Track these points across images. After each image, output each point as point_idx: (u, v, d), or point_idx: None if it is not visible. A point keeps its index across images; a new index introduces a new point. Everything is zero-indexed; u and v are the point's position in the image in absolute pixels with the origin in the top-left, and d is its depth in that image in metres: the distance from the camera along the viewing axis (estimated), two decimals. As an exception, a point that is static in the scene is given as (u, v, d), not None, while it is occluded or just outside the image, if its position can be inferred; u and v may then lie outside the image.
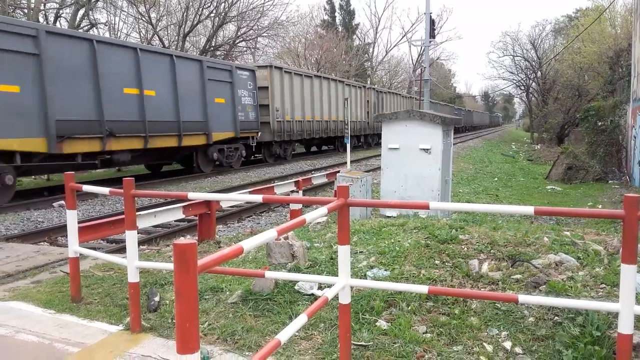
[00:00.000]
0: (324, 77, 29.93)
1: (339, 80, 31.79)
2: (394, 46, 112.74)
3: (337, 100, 30.50)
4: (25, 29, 12.66)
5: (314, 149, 34.34)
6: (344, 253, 3.18)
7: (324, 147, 34.52)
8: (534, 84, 52.40)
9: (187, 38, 33.34)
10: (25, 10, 25.88)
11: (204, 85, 18.73)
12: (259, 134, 22.73)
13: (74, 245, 4.67)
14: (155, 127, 16.45)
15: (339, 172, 10.39)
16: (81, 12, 28.41)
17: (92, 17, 29.98)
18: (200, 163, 19.72)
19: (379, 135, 30.09)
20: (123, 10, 33.89)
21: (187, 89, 17.88)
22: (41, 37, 12.78)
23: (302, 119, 26.41)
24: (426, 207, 3.08)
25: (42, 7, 26.67)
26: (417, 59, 62.14)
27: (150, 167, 20.79)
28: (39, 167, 14.11)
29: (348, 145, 16.19)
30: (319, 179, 12.73)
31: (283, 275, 4.33)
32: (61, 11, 28.47)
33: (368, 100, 35.31)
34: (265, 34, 39.57)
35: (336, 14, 64.47)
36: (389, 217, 7.75)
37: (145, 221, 6.84)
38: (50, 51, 13.03)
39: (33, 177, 15.28)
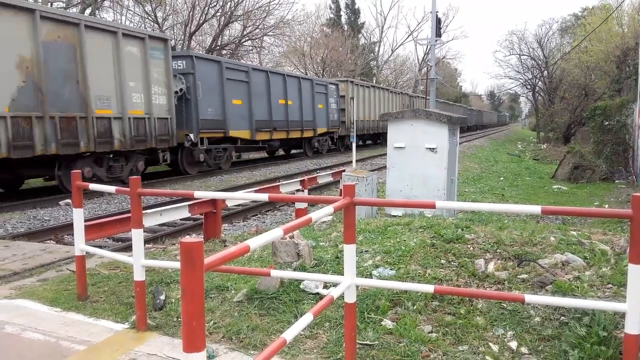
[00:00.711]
0: (379, 87, 38.68)
1: (385, 89, 39.74)
2: (400, 45, 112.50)
3: (387, 104, 38.39)
4: (243, 67, 22.40)
5: (368, 142, 40.33)
6: (349, 252, 3.17)
7: (368, 142, 40.18)
8: (540, 83, 52.21)
9: (193, 37, 33.38)
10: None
11: (313, 96, 27.60)
12: (339, 129, 31.21)
13: (80, 244, 4.69)
14: (291, 125, 25.33)
15: (344, 171, 10.38)
16: (88, 11, 28.50)
17: (98, 16, 30.06)
18: (306, 150, 28.73)
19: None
20: (129, 10, 33.99)
21: (305, 99, 26.67)
22: (250, 72, 21.86)
23: (363, 119, 34.03)
24: (432, 206, 3.08)
25: (48, 6, 26.73)
26: (423, 57, 62.04)
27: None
28: (244, 147, 22.98)
29: (354, 144, 16.17)
30: (324, 178, 12.74)
31: (288, 274, 4.33)
32: (68, 10, 28.55)
33: (404, 104, 40.75)
34: (271, 33, 39.62)
35: (342, 12, 64.47)
36: (394, 216, 7.74)
37: (151, 220, 6.86)
38: (252, 80, 21.82)
39: (42, 177, 15.41)
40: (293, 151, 30.64)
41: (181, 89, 17.93)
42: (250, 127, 21.63)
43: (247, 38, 38.32)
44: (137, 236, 4.07)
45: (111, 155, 15.02)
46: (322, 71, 47.02)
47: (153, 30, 30.69)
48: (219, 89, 19.61)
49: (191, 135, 18.12)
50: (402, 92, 44.97)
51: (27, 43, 12.27)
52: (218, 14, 34.97)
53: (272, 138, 23.83)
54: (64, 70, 13.24)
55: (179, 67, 18.10)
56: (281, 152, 30.32)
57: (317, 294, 4.38)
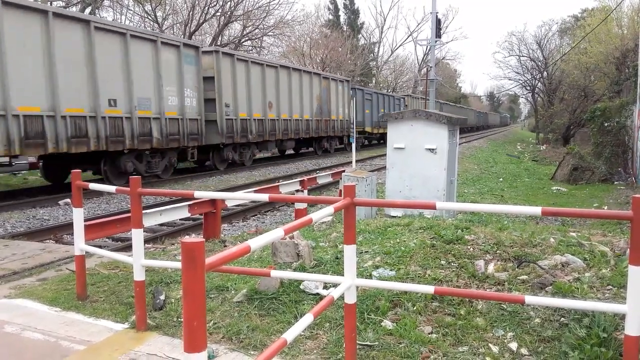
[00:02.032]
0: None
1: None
2: (400, 46, 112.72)
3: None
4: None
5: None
6: (349, 253, 3.17)
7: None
8: (539, 84, 52.27)
9: (193, 37, 33.36)
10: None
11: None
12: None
13: (79, 243, 4.68)
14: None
15: (344, 171, 10.39)
16: (87, 10, 28.49)
17: (98, 15, 30.05)
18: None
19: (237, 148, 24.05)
20: (129, 9, 34.00)
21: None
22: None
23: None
24: (433, 207, 3.08)
25: (48, 4, 26.71)
26: (423, 58, 62.04)
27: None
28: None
29: (354, 145, 16.17)
30: (324, 178, 12.75)
31: (288, 274, 4.33)
32: (68, 9, 28.54)
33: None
34: (270, 33, 39.65)
35: (340, 13, 64.42)
36: (394, 217, 7.74)
37: (151, 219, 6.86)
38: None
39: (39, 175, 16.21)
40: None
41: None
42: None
43: (246, 38, 38.34)
44: (137, 236, 4.07)
45: (149, 152, 16.57)
46: (322, 71, 47.01)
47: (153, 30, 30.68)
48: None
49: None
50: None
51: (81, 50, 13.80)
52: (218, 13, 34.99)
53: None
54: (114, 76, 14.74)
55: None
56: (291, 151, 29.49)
57: (317, 294, 4.38)
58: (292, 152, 29.98)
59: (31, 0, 13.13)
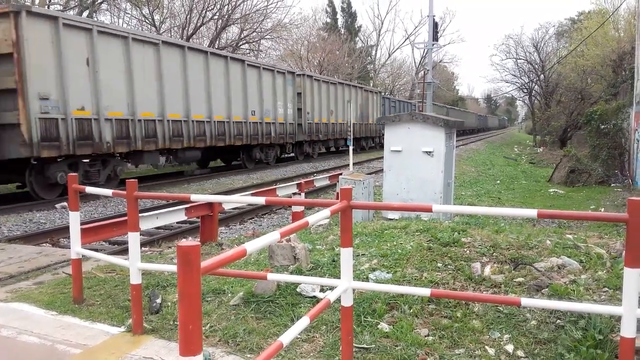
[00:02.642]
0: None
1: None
2: (397, 49, 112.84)
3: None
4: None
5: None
6: (346, 255, 3.18)
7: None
8: (536, 86, 52.44)
9: (190, 40, 33.37)
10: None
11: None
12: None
13: (76, 247, 4.68)
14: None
15: (341, 174, 10.39)
16: (85, 14, 28.50)
17: (95, 18, 30.07)
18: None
19: (324, 143, 31.04)
20: (127, 13, 34.01)
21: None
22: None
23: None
24: (429, 210, 3.08)
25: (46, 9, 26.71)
26: (420, 61, 62.11)
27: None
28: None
29: (350, 148, 16.19)
30: (321, 181, 12.75)
31: (285, 277, 4.33)
32: (65, 12, 28.54)
33: (300, 93, 27.73)
34: (268, 37, 39.68)
35: (338, 16, 64.55)
36: (391, 219, 7.75)
37: (148, 223, 6.86)
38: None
39: None
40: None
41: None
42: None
43: (244, 41, 38.37)
44: (133, 239, 4.06)
45: (266, 146, 23.74)
46: (319, 74, 47.11)
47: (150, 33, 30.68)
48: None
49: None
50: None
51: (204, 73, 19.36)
52: (215, 17, 35.01)
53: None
54: (240, 93, 21.09)
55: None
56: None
57: (314, 297, 4.38)
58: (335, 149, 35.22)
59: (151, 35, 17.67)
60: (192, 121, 18.10)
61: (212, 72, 19.08)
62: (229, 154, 23.01)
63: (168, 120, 16.95)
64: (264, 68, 22.70)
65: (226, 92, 19.97)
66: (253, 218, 11.92)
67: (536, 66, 50.58)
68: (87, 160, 14.53)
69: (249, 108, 21.50)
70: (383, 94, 43.80)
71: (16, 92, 12.21)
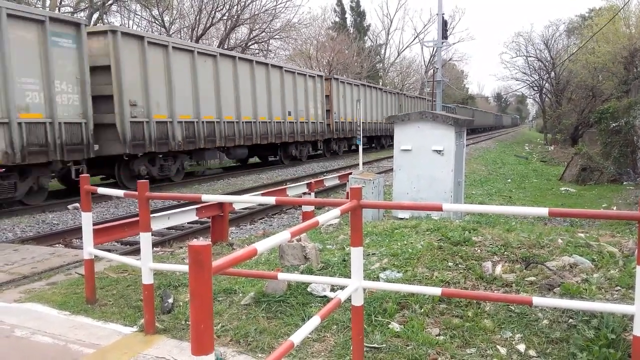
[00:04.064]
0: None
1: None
2: (406, 47, 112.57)
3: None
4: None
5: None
6: (356, 255, 3.18)
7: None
8: (547, 84, 52.03)
9: (200, 41, 33.51)
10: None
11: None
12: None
13: (88, 247, 4.71)
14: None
15: (351, 174, 10.39)
16: (95, 15, 28.68)
17: (106, 20, 30.26)
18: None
19: (349, 140, 33.44)
20: (137, 14, 34.19)
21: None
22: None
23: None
24: (439, 209, 3.08)
25: (56, 11, 26.93)
26: (430, 60, 61.97)
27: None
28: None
29: (360, 147, 16.18)
30: (331, 180, 12.76)
31: (296, 277, 4.34)
32: (75, 14, 28.74)
33: (328, 95, 29.52)
34: (277, 36, 39.73)
35: (347, 15, 64.51)
36: (401, 218, 7.74)
37: (159, 223, 6.89)
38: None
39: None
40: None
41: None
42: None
43: (253, 41, 38.43)
44: (145, 240, 4.09)
45: (302, 142, 26.01)
46: (328, 74, 47.14)
47: (160, 34, 30.83)
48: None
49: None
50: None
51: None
52: (225, 17, 35.09)
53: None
54: (279, 96, 23.38)
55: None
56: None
57: (325, 296, 4.38)
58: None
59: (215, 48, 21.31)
60: (242, 122, 20.48)
61: (257, 78, 21.35)
62: (267, 151, 24.71)
63: (224, 122, 19.33)
64: (298, 73, 25.41)
65: (267, 95, 22.24)
66: (263, 218, 11.94)
67: (547, 64, 50.19)
68: (161, 156, 17.03)
69: (286, 109, 23.84)
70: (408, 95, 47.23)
71: (112, 98, 14.73)
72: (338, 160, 28.45)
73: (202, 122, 18.20)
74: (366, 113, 33.26)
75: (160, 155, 16.88)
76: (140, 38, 15.72)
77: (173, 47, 16.74)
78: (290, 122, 24.20)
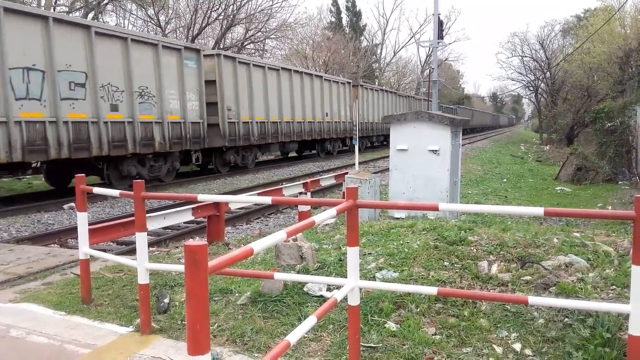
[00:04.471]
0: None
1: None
2: (402, 47, 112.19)
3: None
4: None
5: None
6: (353, 254, 3.18)
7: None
8: (542, 84, 52.16)
9: (196, 40, 33.46)
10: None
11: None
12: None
13: (84, 247, 4.70)
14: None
15: (347, 173, 10.39)
16: (90, 15, 28.60)
17: (101, 20, 30.16)
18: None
19: (369, 138, 36.47)
20: (132, 13, 34.13)
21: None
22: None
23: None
24: (435, 209, 3.08)
25: (51, 10, 26.84)
26: (425, 60, 62.08)
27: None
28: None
29: (357, 147, 16.20)
30: (327, 180, 12.74)
31: (292, 276, 4.34)
32: (70, 14, 28.65)
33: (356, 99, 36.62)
34: (273, 36, 39.68)
35: (342, 15, 64.47)
36: (397, 218, 7.74)
37: (155, 223, 6.88)
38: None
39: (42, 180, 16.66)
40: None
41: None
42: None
43: (249, 41, 38.39)
44: (141, 240, 4.08)
45: (332, 139, 30.19)
46: (324, 73, 47.15)
47: (155, 34, 30.77)
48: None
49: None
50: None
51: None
52: (220, 17, 35.05)
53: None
54: (319, 100, 28.05)
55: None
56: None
57: (321, 296, 4.38)
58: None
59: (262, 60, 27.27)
60: (295, 122, 25.39)
61: (305, 86, 26.38)
62: (307, 146, 29.62)
63: (283, 122, 24.36)
64: (333, 81, 30.80)
65: (311, 99, 27.03)
66: (259, 218, 11.94)
67: (542, 64, 50.32)
68: (242, 149, 22.03)
69: (324, 110, 28.67)
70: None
71: (217, 105, 19.70)
72: (363, 154, 30.79)
73: (270, 122, 23.27)
74: (378, 114, 36.90)
75: (242, 148, 21.99)
76: (233, 59, 20.76)
77: (253, 65, 22.04)
78: (327, 122, 29.03)
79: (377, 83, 53.38)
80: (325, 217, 2.85)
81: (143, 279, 4.07)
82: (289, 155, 30.92)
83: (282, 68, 24.93)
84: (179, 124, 17.57)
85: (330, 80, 30.38)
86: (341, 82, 31.86)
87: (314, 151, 30.29)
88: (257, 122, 22.12)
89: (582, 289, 4.14)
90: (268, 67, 23.18)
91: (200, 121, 18.68)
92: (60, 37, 13.21)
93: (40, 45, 12.77)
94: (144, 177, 16.14)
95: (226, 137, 19.99)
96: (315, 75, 28.38)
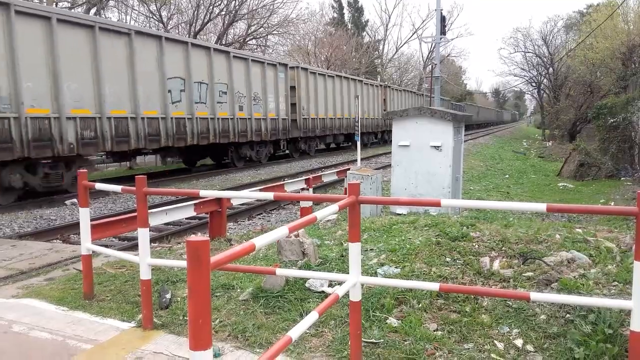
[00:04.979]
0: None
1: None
2: (404, 43, 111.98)
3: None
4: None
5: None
6: (354, 250, 3.18)
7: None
8: (545, 80, 52.04)
9: (198, 36, 33.42)
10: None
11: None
12: None
13: (86, 243, 4.71)
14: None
15: (349, 169, 10.39)
16: (93, 10, 28.58)
17: (103, 15, 30.14)
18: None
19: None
20: (134, 9, 34.08)
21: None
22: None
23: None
24: (438, 205, 3.08)
25: (53, 6, 26.81)
26: (428, 55, 61.86)
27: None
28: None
29: (358, 143, 16.17)
30: (329, 176, 12.75)
31: (294, 272, 4.34)
32: (73, 10, 28.62)
33: (385, 99, 38.52)
34: (275, 32, 39.67)
35: (345, 11, 64.37)
36: (399, 214, 7.75)
37: (157, 219, 6.88)
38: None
39: None
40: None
41: None
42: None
43: (251, 37, 38.35)
44: (143, 235, 4.09)
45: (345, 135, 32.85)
46: (326, 69, 47.08)
47: (158, 30, 30.73)
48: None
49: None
50: (381, 85, 41.30)
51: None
52: (222, 12, 35.02)
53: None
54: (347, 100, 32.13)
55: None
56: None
57: (323, 292, 4.39)
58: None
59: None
60: (337, 118, 30.30)
61: (345, 89, 31.27)
62: (349, 138, 33.71)
63: (336, 118, 30.14)
64: (371, 84, 36.05)
65: (341, 99, 30.83)
66: (261, 214, 11.94)
67: (545, 59, 50.18)
68: (309, 139, 27.94)
69: (363, 109, 32.99)
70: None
71: (296, 105, 25.45)
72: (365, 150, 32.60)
73: (328, 118, 29.02)
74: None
75: (309, 139, 27.77)
76: (305, 69, 26.89)
77: (318, 74, 28.14)
78: (366, 118, 33.51)
79: (379, 79, 53.30)
80: (327, 212, 2.85)
81: (145, 274, 4.07)
82: (330, 147, 34.54)
83: (338, 75, 31.48)
84: (275, 120, 23.62)
85: (367, 83, 35.39)
86: (375, 85, 36.85)
87: (349, 143, 34.24)
88: (319, 119, 27.96)
89: (584, 285, 4.13)
90: (328, 75, 29.53)
91: (287, 117, 24.73)
92: (217, 61, 19.43)
93: (203, 66, 18.82)
94: (253, 158, 22.80)
95: (301, 130, 26.00)
96: (353, 79, 33.61)
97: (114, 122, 14.86)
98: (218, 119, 19.51)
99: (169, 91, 17.05)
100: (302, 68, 26.62)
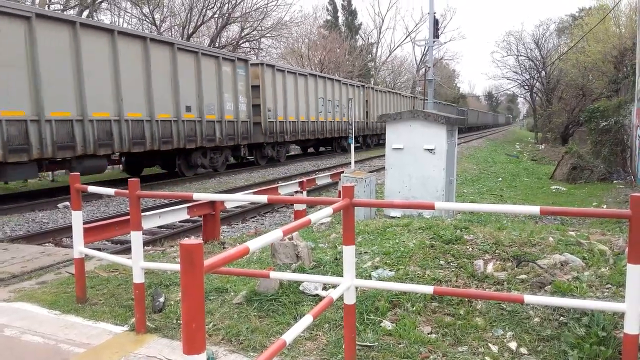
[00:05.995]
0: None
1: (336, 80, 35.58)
2: (398, 46, 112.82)
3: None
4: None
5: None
6: (348, 253, 3.17)
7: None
8: (538, 83, 52.23)
9: (191, 39, 33.37)
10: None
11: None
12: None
13: (79, 246, 4.68)
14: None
15: (343, 172, 10.38)
16: (85, 13, 28.49)
17: (96, 18, 30.05)
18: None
19: (378, 136, 36.44)
20: (127, 12, 34.01)
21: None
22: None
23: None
24: (432, 207, 3.08)
25: (45, 8, 26.70)
26: (421, 59, 61.96)
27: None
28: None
29: (352, 146, 16.19)
30: (323, 179, 12.74)
31: (288, 275, 4.33)
32: (65, 12, 28.53)
33: (367, 100, 37.06)
34: (268, 35, 39.65)
35: (338, 14, 64.46)
36: (393, 217, 7.74)
37: (150, 222, 6.85)
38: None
39: (38, 179, 16.77)
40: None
41: None
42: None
43: (244, 40, 38.33)
44: (136, 238, 4.07)
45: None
46: (320, 72, 47.11)
47: (150, 32, 30.68)
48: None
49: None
50: (363, 86, 39.31)
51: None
52: (216, 15, 34.98)
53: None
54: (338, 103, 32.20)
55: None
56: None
57: (317, 295, 4.38)
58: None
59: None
60: (312, 122, 28.39)
61: (321, 89, 29.38)
62: (325, 143, 32.69)
63: (310, 122, 27.98)
64: (350, 84, 34.31)
65: (332, 102, 30.60)
66: (255, 217, 11.92)
67: (537, 63, 50.38)
68: (277, 144, 25.60)
69: (342, 112, 32.19)
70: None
71: (259, 107, 22.96)
72: (362, 152, 33.17)
73: (300, 121, 26.84)
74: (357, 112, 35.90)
75: (277, 144, 25.26)
76: (271, 66, 24.25)
77: (287, 72, 25.71)
78: (344, 122, 31.87)
79: (372, 82, 53.43)
80: (321, 215, 2.85)
81: (138, 278, 4.05)
82: (308, 152, 33.79)
83: (311, 74, 29.33)
84: (233, 122, 21.05)
85: (347, 84, 33.72)
86: (356, 86, 35.09)
87: (329, 147, 33.04)
88: (289, 122, 25.67)
89: (577, 287, 4.14)
90: (299, 74, 27.24)
91: (248, 120, 22.22)
92: (156, 54, 17.12)
93: (137, 59, 16.29)
94: (206, 166, 20.31)
95: (266, 134, 23.48)
96: (335, 80, 32.12)
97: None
98: (157, 121, 16.60)
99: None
100: (267, 65, 23.79)
